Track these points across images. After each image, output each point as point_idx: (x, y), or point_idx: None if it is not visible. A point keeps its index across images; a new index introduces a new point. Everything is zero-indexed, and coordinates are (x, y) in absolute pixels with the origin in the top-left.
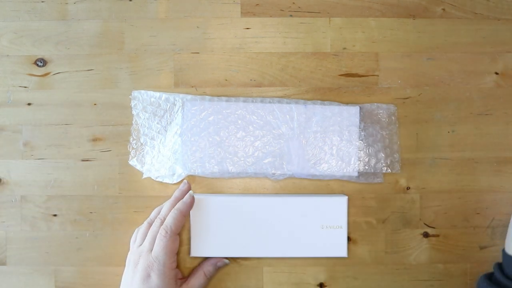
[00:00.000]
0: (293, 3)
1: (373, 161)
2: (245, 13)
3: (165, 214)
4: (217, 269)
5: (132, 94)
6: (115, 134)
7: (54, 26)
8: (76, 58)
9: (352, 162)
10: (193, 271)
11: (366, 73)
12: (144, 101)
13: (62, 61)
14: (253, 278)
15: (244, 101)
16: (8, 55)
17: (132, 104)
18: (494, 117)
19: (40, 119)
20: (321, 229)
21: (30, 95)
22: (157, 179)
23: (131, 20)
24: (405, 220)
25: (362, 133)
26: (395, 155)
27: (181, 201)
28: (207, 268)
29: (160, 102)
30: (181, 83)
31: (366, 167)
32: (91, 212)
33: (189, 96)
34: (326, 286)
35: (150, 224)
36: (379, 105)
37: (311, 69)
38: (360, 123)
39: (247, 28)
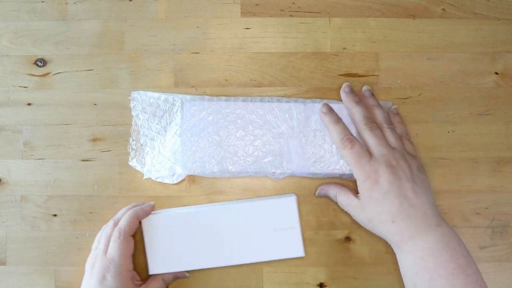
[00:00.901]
0: (293, 3)
1: None
2: (245, 13)
3: (119, 217)
4: (176, 279)
5: (131, 95)
6: (115, 134)
7: (54, 26)
8: (76, 58)
9: None
10: (152, 275)
11: (366, 73)
12: (143, 102)
13: (62, 61)
14: (253, 278)
15: (243, 101)
16: (8, 55)
17: (132, 105)
18: (494, 117)
19: (40, 119)
20: (274, 232)
21: (30, 95)
22: (157, 180)
23: (131, 20)
24: None
25: None
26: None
27: (139, 206)
28: (167, 275)
29: (160, 103)
30: (181, 83)
31: None
32: (91, 212)
33: (188, 96)
34: (326, 286)
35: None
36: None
37: (311, 69)
38: None
39: (247, 28)
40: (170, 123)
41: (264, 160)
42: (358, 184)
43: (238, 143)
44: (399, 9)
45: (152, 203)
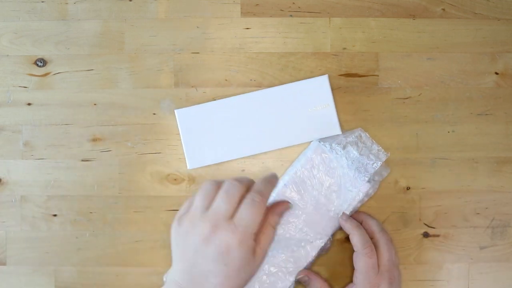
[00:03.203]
0: (293, 3)
1: (364, 163)
2: (245, 13)
3: (246, 181)
4: (281, 215)
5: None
6: (115, 134)
7: (54, 26)
8: (76, 58)
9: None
10: (261, 227)
11: (366, 73)
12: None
13: (62, 61)
14: None
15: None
16: (8, 55)
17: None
18: (494, 117)
19: (40, 119)
20: (309, 112)
21: (30, 95)
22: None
23: (131, 20)
24: (405, 220)
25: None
26: (373, 147)
27: (265, 176)
28: (273, 219)
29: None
30: (181, 83)
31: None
32: (91, 212)
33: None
34: None
35: (218, 186)
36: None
37: (311, 69)
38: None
39: (247, 28)
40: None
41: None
42: (354, 286)
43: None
44: (399, 9)
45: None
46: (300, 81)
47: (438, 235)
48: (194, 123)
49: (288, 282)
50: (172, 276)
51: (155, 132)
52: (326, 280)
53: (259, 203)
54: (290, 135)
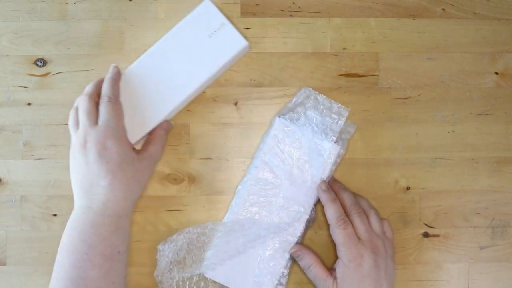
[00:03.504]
0: (293, 3)
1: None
2: (245, 13)
3: (91, 90)
4: (168, 132)
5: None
6: None
7: (54, 26)
8: (76, 58)
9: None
10: (146, 140)
11: (366, 73)
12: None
13: (62, 61)
14: None
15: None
16: (8, 55)
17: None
18: (494, 117)
19: (40, 119)
20: (211, 39)
21: (30, 95)
22: None
23: (131, 20)
24: (405, 220)
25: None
26: (333, 106)
27: (107, 74)
28: (159, 133)
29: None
30: None
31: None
32: None
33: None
34: None
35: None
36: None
37: (311, 69)
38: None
39: (247, 28)
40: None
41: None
42: (340, 263)
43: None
44: (399, 9)
45: (113, 64)
46: (187, 17)
47: (438, 235)
48: (128, 90)
49: (284, 260)
50: (75, 204)
51: None
52: (318, 255)
53: (109, 102)
54: (206, 67)
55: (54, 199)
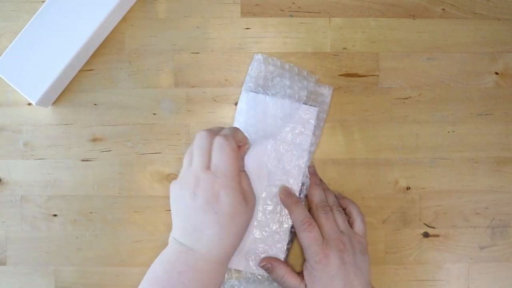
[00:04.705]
0: (293, 3)
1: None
2: (245, 13)
3: (213, 128)
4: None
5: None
6: (115, 134)
7: None
8: None
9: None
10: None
11: (366, 73)
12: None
13: None
14: None
15: None
16: None
17: None
18: (494, 117)
19: (40, 119)
20: None
21: None
22: None
23: (131, 20)
24: (405, 220)
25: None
26: (302, 71)
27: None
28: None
29: None
30: (181, 83)
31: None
32: (91, 212)
33: None
34: None
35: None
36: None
37: (311, 69)
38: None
39: (247, 28)
40: None
41: None
42: (308, 265)
43: None
44: (399, 9)
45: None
46: None
47: (438, 235)
48: (13, 63)
49: (285, 242)
50: (172, 235)
51: (155, 132)
52: (290, 265)
53: (226, 145)
54: (97, 11)
55: (54, 199)
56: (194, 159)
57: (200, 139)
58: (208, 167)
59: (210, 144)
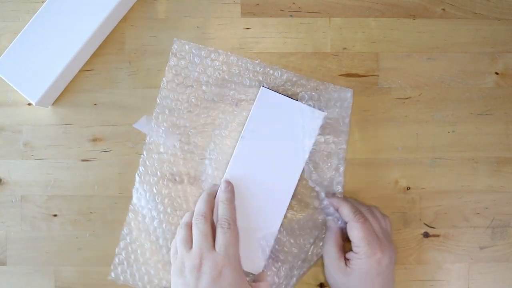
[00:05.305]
0: (293, 3)
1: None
2: (245, 13)
3: (206, 210)
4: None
5: None
6: (115, 134)
7: None
8: None
9: None
10: (256, 277)
11: (366, 73)
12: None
13: None
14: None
15: None
16: None
17: None
18: (494, 117)
19: (40, 119)
20: None
21: None
22: None
23: (131, 20)
24: (405, 220)
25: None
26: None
27: (221, 191)
28: (265, 275)
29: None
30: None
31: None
32: (91, 212)
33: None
34: (326, 286)
35: (189, 227)
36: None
37: (311, 69)
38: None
39: (247, 28)
40: None
41: None
42: (358, 256)
43: None
44: (399, 9)
45: (225, 179)
46: None
47: (438, 235)
48: (13, 64)
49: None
50: None
51: None
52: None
53: (227, 229)
54: (97, 12)
55: (54, 199)
56: (198, 242)
57: (201, 224)
58: (213, 247)
59: (209, 227)
